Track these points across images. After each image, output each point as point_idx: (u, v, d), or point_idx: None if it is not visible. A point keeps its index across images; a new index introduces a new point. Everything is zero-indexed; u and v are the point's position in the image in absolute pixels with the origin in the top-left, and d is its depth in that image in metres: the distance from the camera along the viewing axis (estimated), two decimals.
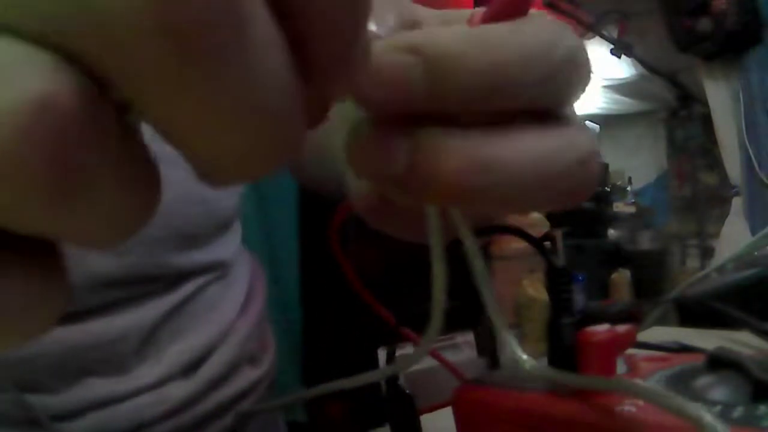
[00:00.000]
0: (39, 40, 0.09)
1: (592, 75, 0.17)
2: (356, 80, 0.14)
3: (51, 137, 0.09)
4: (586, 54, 0.17)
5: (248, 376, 0.44)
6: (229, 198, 0.43)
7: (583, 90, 0.17)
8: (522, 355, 0.19)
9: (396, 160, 0.15)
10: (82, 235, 0.11)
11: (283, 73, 0.11)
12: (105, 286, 0.35)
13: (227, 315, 0.43)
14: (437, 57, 0.14)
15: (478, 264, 0.19)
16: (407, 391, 0.29)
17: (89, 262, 0.33)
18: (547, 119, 0.16)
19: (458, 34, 0.15)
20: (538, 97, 0.16)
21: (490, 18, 0.16)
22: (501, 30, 0.15)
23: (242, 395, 0.43)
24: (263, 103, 0.10)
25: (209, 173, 0.12)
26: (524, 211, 0.17)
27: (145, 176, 0.11)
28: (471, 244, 0.19)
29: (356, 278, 0.27)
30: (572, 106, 0.18)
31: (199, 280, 0.41)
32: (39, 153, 0.09)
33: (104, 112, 0.10)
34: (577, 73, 0.16)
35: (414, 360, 0.23)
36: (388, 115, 0.15)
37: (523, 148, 0.15)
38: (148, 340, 0.37)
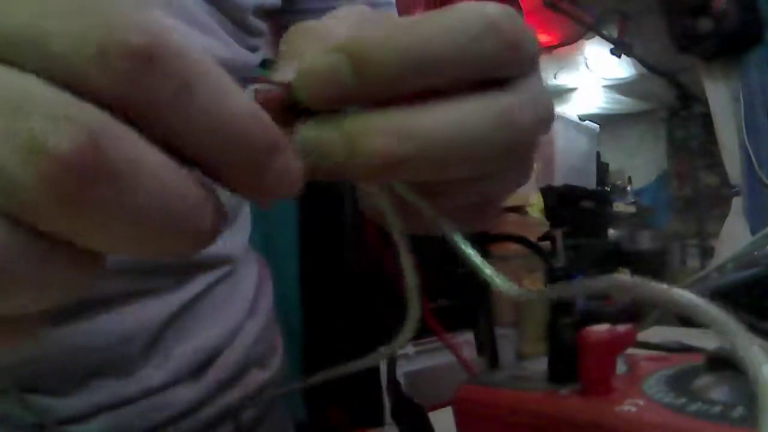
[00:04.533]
0: None
1: (530, 37, 0.19)
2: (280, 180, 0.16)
3: None
4: (515, 18, 0.18)
5: (256, 378, 0.44)
6: None
7: (522, 52, 0.19)
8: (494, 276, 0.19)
9: (333, 150, 0.17)
10: None
11: (175, 193, 0.13)
12: (114, 273, 0.34)
13: (235, 315, 0.43)
14: (359, 50, 0.17)
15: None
16: (414, 401, 0.29)
17: None
18: (490, 89, 0.18)
19: (378, 29, 0.17)
20: (465, 69, 0.18)
21: None
22: (413, 19, 0.18)
23: (250, 398, 0.42)
24: (152, 218, 0.13)
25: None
26: (453, 176, 0.19)
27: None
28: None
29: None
30: (521, 71, 0.19)
31: (208, 278, 0.40)
32: None
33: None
34: (503, 38, 0.18)
35: (394, 348, 0.23)
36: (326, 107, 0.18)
37: (440, 114, 0.17)
38: (155, 340, 0.37)
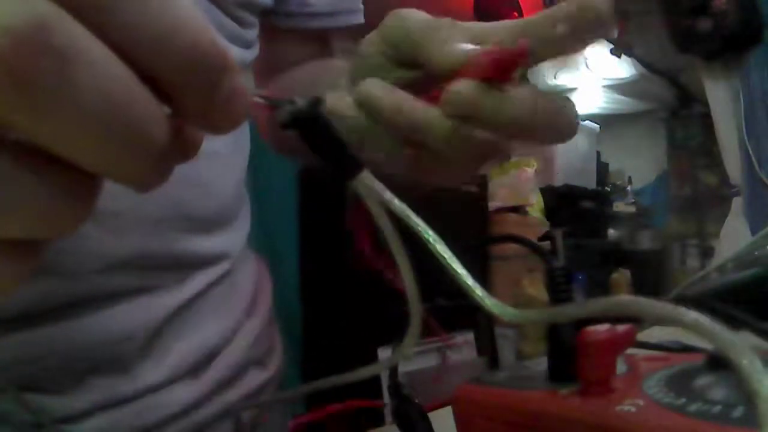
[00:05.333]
0: None
1: None
2: (224, 121, 0.16)
3: None
4: None
5: (256, 378, 0.44)
6: (226, 184, 0.42)
7: None
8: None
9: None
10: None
11: (124, 99, 0.14)
12: (114, 268, 0.34)
13: (234, 315, 0.43)
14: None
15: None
16: (416, 401, 0.29)
17: (91, 241, 0.33)
18: None
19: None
20: None
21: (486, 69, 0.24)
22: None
23: (249, 398, 0.42)
24: (104, 120, 0.13)
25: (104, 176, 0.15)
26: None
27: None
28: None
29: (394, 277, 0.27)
30: None
31: (206, 276, 0.40)
32: None
33: None
34: None
35: (396, 358, 0.23)
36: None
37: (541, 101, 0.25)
38: (154, 339, 0.37)
